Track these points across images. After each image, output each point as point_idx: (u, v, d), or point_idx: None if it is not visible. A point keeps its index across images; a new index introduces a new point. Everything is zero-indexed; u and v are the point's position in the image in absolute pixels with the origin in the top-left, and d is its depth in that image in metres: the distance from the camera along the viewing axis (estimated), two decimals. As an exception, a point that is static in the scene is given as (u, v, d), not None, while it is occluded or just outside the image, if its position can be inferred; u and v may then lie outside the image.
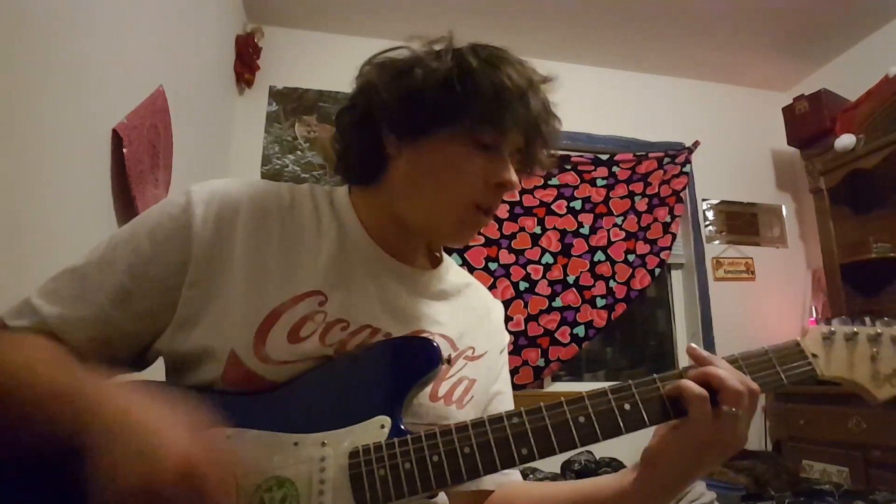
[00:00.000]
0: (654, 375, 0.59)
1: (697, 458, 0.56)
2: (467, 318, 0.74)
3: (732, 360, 0.60)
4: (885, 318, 0.62)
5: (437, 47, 0.65)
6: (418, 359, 0.60)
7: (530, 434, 0.55)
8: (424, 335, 0.66)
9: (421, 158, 0.65)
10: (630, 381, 0.58)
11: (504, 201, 2.59)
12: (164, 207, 0.62)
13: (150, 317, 0.59)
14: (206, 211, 0.61)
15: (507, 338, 0.82)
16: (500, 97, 0.61)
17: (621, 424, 0.56)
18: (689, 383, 0.56)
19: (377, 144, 0.66)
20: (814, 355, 0.62)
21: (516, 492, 0.71)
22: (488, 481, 0.69)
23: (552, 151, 0.69)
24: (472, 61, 0.62)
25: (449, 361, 0.65)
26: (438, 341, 0.66)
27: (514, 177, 0.64)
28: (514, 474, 0.73)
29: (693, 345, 0.63)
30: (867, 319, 0.62)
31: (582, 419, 0.55)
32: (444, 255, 0.77)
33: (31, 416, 0.48)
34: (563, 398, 0.57)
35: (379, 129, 0.66)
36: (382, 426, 0.56)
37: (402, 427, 0.56)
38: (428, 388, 0.63)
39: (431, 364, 0.60)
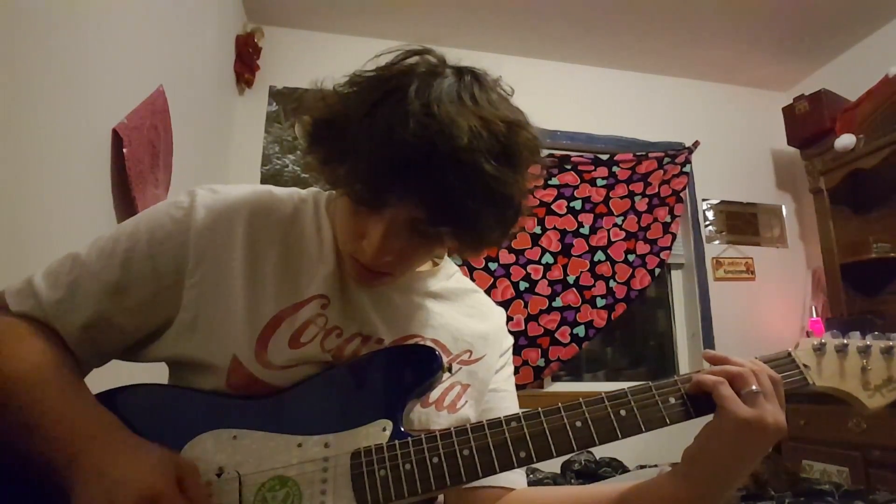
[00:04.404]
0: (651, 384, 0.59)
1: (740, 447, 0.55)
2: (465, 321, 0.73)
3: None
4: (875, 333, 0.64)
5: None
6: (419, 366, 0.61)
7: (528, 438, 0.55)
8: (416, 341, 0.66)
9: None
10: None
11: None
12: (168, 207, 0.62)
13: (143, 313, 0.60)
14: (207, 216, 0.61)
15: (509, 340, 0.80)
16: (377, 156, 0.50)
17: (616, 430, 0.56)
18: (703, 375, 0.58)
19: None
20: (805, 366, 0.63)
21: (537, 498, 0.69)
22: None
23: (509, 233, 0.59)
24: (372, 95, 0.52)
25: (450, 370, 0.66)
26: (431, 345, 0.66)
27: (374, 241, 0.54)
28: (520, 480, 0.70)
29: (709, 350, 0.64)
30: (857, 333, 0.64)
31: (579, 423, 0.56)
32: (446, 261, 0.76)
33: (29, 435, 0.50)
34: (560, 403, 0.57)
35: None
36: (384, 429, 0.57)
37: (403, 430, 0.57)
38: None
39: (432, 371, 0.61)
